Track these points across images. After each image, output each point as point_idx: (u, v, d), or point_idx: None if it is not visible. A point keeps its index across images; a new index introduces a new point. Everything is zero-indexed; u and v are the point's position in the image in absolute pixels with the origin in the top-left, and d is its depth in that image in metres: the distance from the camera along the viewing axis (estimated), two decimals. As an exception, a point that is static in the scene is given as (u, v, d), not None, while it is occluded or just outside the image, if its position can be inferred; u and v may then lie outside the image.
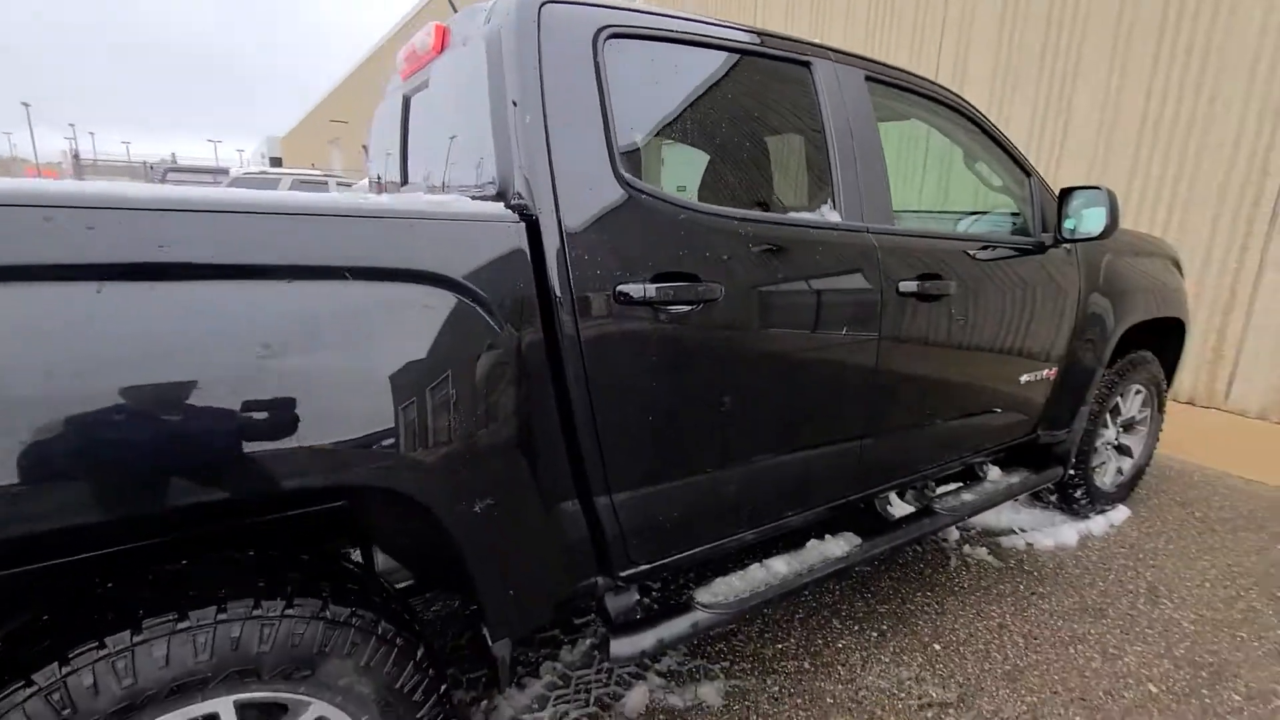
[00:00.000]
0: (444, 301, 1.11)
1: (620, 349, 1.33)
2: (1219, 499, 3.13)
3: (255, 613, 0.98)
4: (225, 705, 1.00)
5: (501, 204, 1.23)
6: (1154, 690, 1.88)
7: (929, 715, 1.78)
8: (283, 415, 0.95)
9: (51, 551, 1.01)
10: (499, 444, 1.19)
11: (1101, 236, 2.14)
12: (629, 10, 1.43)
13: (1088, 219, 2.19)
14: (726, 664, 1.95)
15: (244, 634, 0.97)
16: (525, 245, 1.21)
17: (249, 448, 0.93)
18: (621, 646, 1.45)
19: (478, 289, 1.14)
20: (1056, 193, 2.29)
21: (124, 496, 0.88)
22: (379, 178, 2.23)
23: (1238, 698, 1.86)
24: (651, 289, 1.33)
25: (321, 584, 1.08)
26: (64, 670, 0.87)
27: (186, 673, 0.93)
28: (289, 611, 1.01)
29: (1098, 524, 2.81)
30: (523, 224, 1.21)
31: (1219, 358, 4.39)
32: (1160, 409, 2.99)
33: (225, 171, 13.42)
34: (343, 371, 1.01)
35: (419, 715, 1.16)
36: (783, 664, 1.96)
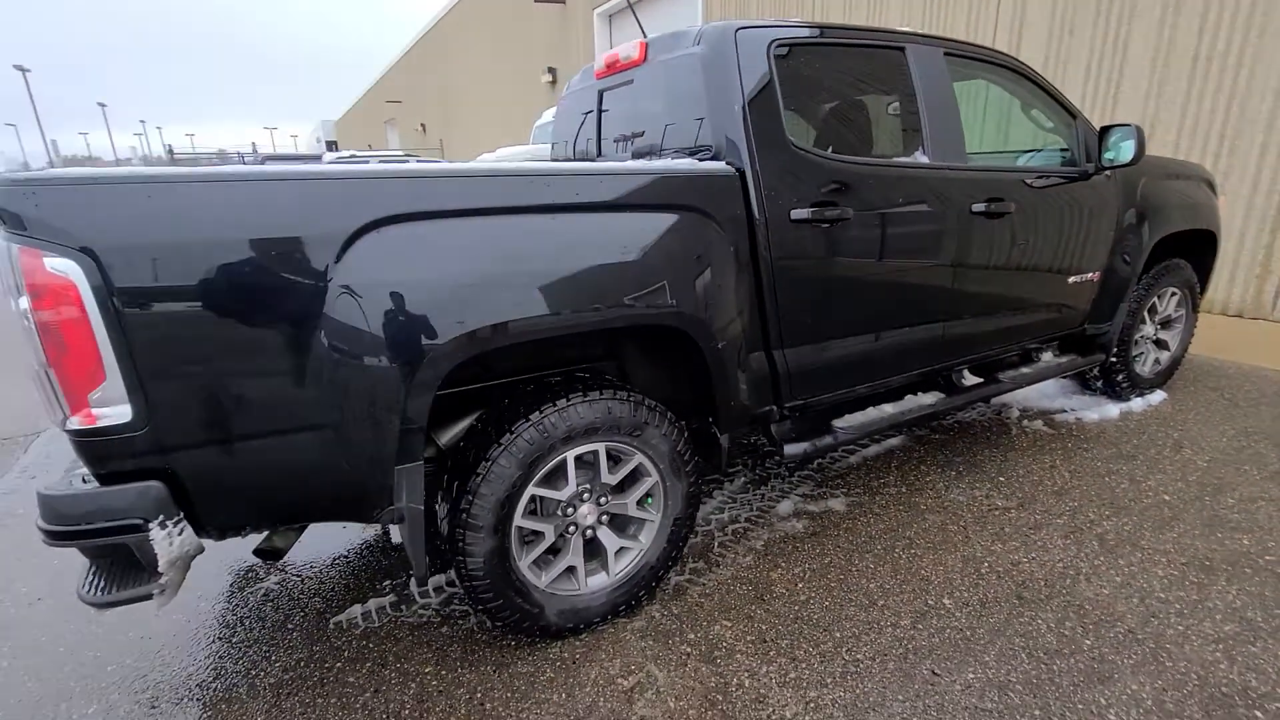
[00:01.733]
0: (698, 221, 1.88)
1: (791, 251, 2.07)
2: (1250, 386, 3.68)
3: (616, 396, 1.80)
4: (601, 448, 1.83)
5: (722, 162, 1.98)
6: (1167, 498, 2.57)
7: (996, 513, 2.52)
8: (633, 283, 1.75)
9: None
10: (726, 307, 1.96)
11: (1132, 163, 2.74)
12: (784, 25, 2.13)
13: (1124, 150, 2.79)
14: (845, 489, 2.74)
15: (612, 406, 1.79)
16: (738, 187, 1.96)
17: (621, 299, 1.73)
18: (791, 449, 2.24)
19: (714, 214, 1.91)
20: (1098, 130, 2.88)
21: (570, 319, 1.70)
22: (565, 152, 3.00)
23: (1231, 501, 2.52)
24: (808, 212, 2.06)
25: (637, 390, 1.90)
26: (540, 415, 1.70)
27: (588, 423, 1.76)
28: (630, 398, 1.83)
29: (1137, 404, 3.44)
30: (736, 174, 1.96)
31: (1267, 272, 4.80)
32: (1194, 309, 3.55)
33: (318, 158, 14.67)
34: (656, 259, 1.80)
35: (686, 469, 1.98)
36: (886, 489, 2.73)
